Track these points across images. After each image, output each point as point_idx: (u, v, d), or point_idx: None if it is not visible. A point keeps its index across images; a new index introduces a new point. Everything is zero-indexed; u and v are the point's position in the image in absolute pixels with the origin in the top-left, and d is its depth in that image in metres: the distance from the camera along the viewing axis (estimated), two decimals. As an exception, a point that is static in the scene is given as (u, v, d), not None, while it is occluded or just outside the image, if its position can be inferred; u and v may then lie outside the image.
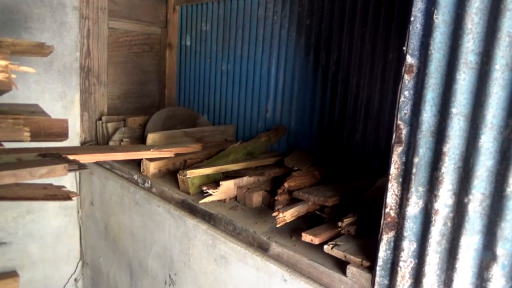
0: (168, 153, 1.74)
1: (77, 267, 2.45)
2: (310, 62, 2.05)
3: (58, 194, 1.19)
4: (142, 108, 2.57)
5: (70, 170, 1.12)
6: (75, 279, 2.47)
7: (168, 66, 2.67)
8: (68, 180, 2.30)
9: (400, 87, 0.97)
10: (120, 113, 2.44)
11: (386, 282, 1.09)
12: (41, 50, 1.56)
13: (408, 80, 0.96)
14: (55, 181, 1.77)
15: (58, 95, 2.14)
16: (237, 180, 1.70)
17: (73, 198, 1.84)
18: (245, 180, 1.70)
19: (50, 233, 2.35)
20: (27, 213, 2.25)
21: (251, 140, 2.06)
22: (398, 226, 1.05)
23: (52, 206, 2.32)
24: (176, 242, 1.78)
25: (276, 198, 1.54)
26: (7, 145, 1.37)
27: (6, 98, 1.53)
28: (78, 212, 2.41)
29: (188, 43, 2.67)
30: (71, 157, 1.25)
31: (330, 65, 1.98)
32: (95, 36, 2.21)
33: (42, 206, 2.29)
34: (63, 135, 1.41)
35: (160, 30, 2.60)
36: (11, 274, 2.14)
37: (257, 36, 2.28)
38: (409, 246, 1.03)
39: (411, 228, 1.02)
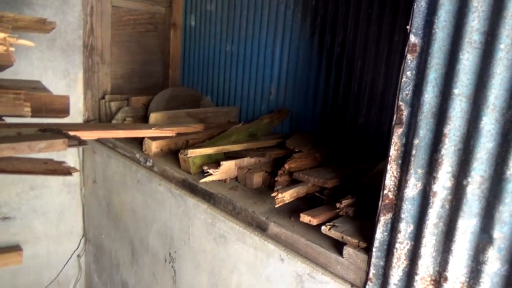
0: (169, 132, 1.74)
1: (80, 243, 2.49)
2: (314, 44, 2.02)
3: (58, 169, 1.20)
4: (146, 88, 2.56)
5: (69, 146, 1.12)
6: (78, 255, 2.50)
7: (172, 46, 2.65)
8: (71, 158, 2.32)
9: (402, 67, 0.96)
10: (123, 92, 2.44)
11: (382, 263, 1.10)
12: (43, 26, 1.55)
13: (410, 60, 0.94)
14: (58, 158, 1.79)
15: (61, 73, 2.13)
16: (238, 161, 1.70)
17: (74, 175, 1.85)
18: (246, 160, 1.70)
19: (53, 210, 2.37)
20: (30, 189, 2.27)
21: (253, 122, 2.06)
22: (396, 208, 1.05)
23: (56, 183, 2.34)
24: (176, 220, 1.80)
25: (276, 179, 1.54)
26: (8, 120, 1.38)
27: (9, 75, 1.53)
28: (81, 189, 2.43)
29: (193, 23, 2.64)
30: (72, 133, 1.26)
31: (335, 48, 1.95)
32: (99, 14, 2.19)
33: (45, 183, 2.31)
34: (65, 111, 1.41)
35: (164, 9, 2.57)
36: (15, 248, 2.17)
37: (262, 17, 2.25)
38: (406, 228, 1.03)
39: (408, 210, 1.02)
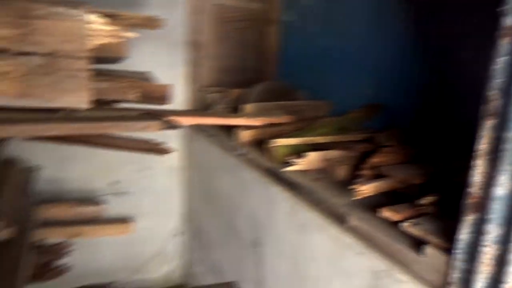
0: (258, 121, 1.81)
1: (180, 222, 2.72)
2: (414, 36, 1.91)
3: (155, 149, 1.35)
4: (243, 81, 2.67)
5: (164, 128, 1.25)
6: (178, 233, 2.74)
7: (269, 42, 2.73)
8: (174, 144, 2.52)
9: (494, 52, 0.87)
10: (222, 85, 2.58)
11: (465, 266, 1.01)
12: (152, 23, 1.73)
13: (504, 44, 0.85)
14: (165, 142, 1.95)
15: (167, 67, 2.32)
16: (323, 152, 1.69)
17: (176, 160, 2.01)
18: (331, 153, 1.69)
19: (159, 190, 2.63)
20: (142, 170, 2.54)
21: (342, 116, 2.03)
22: (483, 208, 0.96)
23: (161, 166, 2.58)
24: (261, 207, 1.87)
25: (360, 172, 1.51)
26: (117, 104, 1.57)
27: (123, 68, 1.73)
28: (183, 173, 2.65)
29: (290, 18, 2.68)
30: (167, 118, 1.39)
31: (437, 39, 1.82)
32: (201, 12, 2.37)
33: (153, 166, 2.56)
34: (165, 99, 1.56)
35: (261, 5, 2.65)
36: (127, 220, 2.46)
37: (358, 10, 2.19)
38: (494, 230, 0.94)
39: (498, 210, 0.93)
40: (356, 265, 1.35)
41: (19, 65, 0.99)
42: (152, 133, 1.64)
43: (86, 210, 2.31)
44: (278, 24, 2.72)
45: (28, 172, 2.08)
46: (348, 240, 1.38)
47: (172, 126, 1.31)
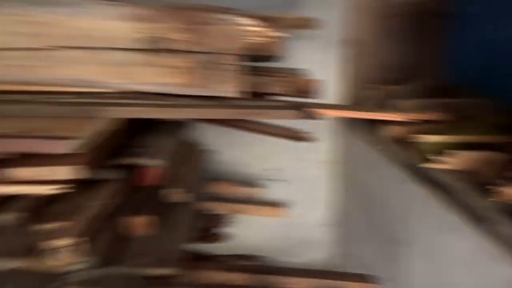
0: (405, 117, 1.79)
1: (327, 213, 2.84)
2: None
3: (296, 136, 1.51)
4: (401, 79, 2.60)
5: (301, 117, 1.40)
6: (325, 224, 2.87)
7: (434, 37, 2.58)
8: (326, 139, 2.66)
9: None
10: (378, 82, 2.57)
11: None
12: (306, 23, 1.91)
13: None
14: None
15: (323, 65, 2.44)
16: (473, 152, 1.57)
17: (325, 153, 2.15)
18: (482, 153, 1.56)
19: (309, 180, 2.79)
20: (294, 160, 2.75)
21: (504, 115, 1.81)
22: None
23: (312, 158, 2.73)
24: (401, 204, 1.85)
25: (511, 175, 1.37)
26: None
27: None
28: (332, 166, 2.76)
29: (464, 10, 2.48)
30: (308, 109, 1.53)
31: None
32: (358, 9, 2.41)
33: (305, 157, 2.73)
34: (313, 92, 1.71)
35: (429, -2, 2.53)
36: (279, 204, 2.71)
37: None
38: None
39: None
40: (493, 272, 1.25)
41: (187, 62, 1.29)
42: (301, 123, 1.80)
43: (245, 191, 2.65)
44: (447, 17, 2.55)
45: (204, 154, 2.51)
46: (489, 246, 1.28)
47: (310, 116, 1.44)
